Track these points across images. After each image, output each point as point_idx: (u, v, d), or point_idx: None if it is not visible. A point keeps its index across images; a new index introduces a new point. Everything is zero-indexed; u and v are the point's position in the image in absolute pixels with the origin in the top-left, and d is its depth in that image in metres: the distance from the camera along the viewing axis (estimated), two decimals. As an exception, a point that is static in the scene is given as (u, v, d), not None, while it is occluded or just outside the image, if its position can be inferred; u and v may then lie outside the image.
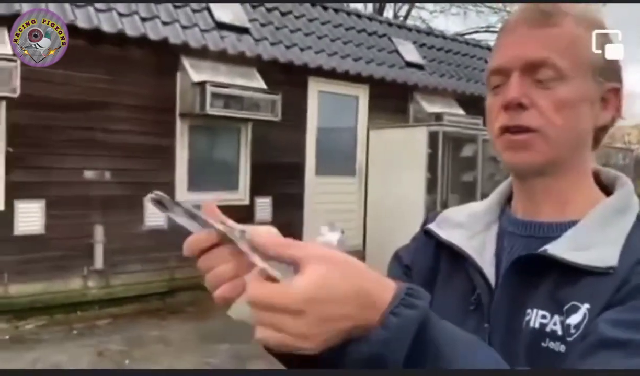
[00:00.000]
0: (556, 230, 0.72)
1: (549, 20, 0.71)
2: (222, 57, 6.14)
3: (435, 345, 0.53)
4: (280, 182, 6.75)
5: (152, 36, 5.66)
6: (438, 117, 7.80)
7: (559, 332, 0.65)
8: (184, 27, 5.99)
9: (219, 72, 6.05)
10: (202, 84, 5.69)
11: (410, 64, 8.21)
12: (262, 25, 6.83)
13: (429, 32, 9.69)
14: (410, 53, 8.38)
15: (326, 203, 7.27)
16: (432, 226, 0.84)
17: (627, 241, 0.68)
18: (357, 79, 7.38)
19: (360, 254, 7.57)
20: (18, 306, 5.05)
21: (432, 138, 7.05)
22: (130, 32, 5.53)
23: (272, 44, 6.72)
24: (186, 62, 5.91)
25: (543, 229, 0.74)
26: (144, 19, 5.72)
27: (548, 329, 0.66)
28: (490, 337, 0.71)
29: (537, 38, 0.71)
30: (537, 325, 0.67)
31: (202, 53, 6.00)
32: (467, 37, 12.33)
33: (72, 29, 5.17)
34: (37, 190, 5.23)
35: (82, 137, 5.43)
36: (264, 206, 6.70)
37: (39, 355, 4.29)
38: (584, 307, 0.65)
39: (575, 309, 0.65)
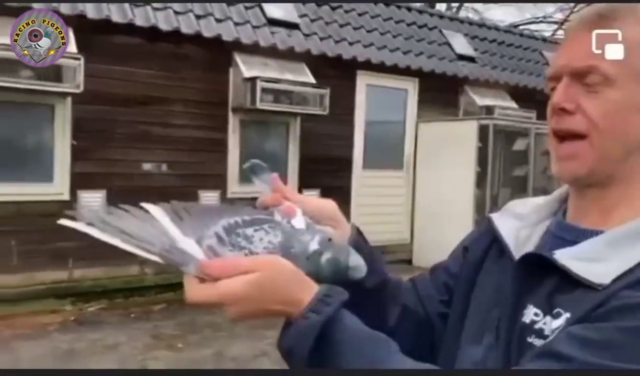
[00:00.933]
0: (592, 236, 0.73)
1: (603, 23, 0.70)
2: (272, 52, 6.28)
3: (337, 343, 0.65)
4: (327, 175, 6.84)
5: (206, 33, 5.85)
6: (489, 110, 7.68)
7: (545, 331, 0.68)
8: (236, 24, 6.16)
9: (270, 67, 6.19)
10: (252, 80, 5.85)
11: (461, 57, 8.11)
12: (312, 20, 6.92)
13: (482, 24, 9.52)
14: (462, 45, 8.27)
15: (373, 196, 7.32)
16: (495, 214, 0.87)
17: (638, 266, 0.66)
18: (406, 72, 7.37)
19: (408, 248, 7.59)
20: (81, 290, 5.38)
21: (483, 131, 6.96)
22: (185, 29, 5.74)
23: (322, 39, 6.80)
24: (238, 58, 6.08)
25: (582, 235, 0.74)
26: (198, 17, 5.92)
27: (536, 326, 0.69)
28: (499, 327, 0.75)
29: (588, 43, 0.70)
30: (528, 321, 0.71)
31: (253, 49, 6.16)
32: (522, 28, 12.01)
33: (130, 28, 5.44)
34: (99, 181, 5.53)
35: (141, 131, 5.70)
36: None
37: (100, 336, 4.57)
38: (565, 315, 0.67)
39: (558, 315, 0.68)
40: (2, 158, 5.15)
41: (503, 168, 7.28)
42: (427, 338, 0.91)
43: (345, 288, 0.71)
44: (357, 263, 0.74)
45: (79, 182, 5.42)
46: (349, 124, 7.13)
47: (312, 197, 0.87)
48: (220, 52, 6.04)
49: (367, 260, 0.85)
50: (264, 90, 5.84)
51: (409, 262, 7.42)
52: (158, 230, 0.68)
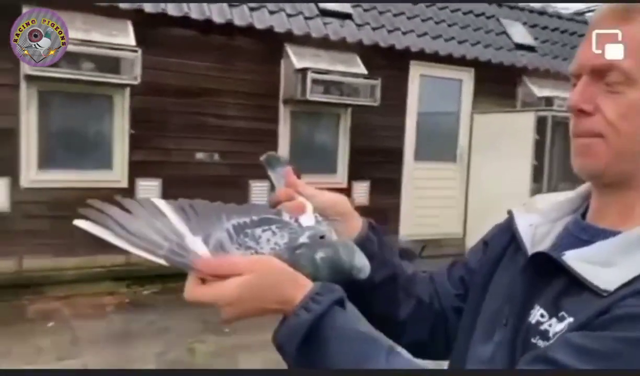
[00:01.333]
0: (607, 237, 0.70)
1: (625, 19, 0.67)
2: (324, 43, 6.28)
3: (325, 342, 0.65)
4: (377, 166, 6.81)
5: (259, 25, 5.93)
6: (548, 101, 7.39)
7: (550, 334, 0.66)
8: (288, 15, 6.20)
9: (321, 58, 6.20)
10: (303, 71, 5.88)
11: (519, 46, 7.83)
12: (365, 10, 6.87)
13: (543, 12, 9.14)
14: (521, 34, 7.99)
15: (425, 189, 7.22)
16: (516, 208, 0.85)
17: None
18: (461, 62, 7.20)
19: (460, 242, 7.44)
20: (137, 274, 5.60)
21: (541, 123, 6.70)
22: (238, 21, 5.84)
23: (374, 29, 6.74)
24: (290, 50, 6.13)
25: (597, 235, 0.71)
26: (251, 9, 6.01)
27: (542, 328, 0.68)
28: (507, 324, 0.74)
29: (609, 39, 0.67)
30: (534, 321, 0.69)
31: (305, 40, 6.19)
32: (588, 15, 11.42)
33: (186, 20, 5.59)
34: (155, 169, 5.73)
35: (195, 121, 5.86)
36: (361, 190, 6.80)
37: (152, 319, 4.76)
38: (568, 320, 0.65)
39: (562, 318, 0.66)
40: (65, 146, 5.44)
41: (561, 161, 6.99)
42: (441, 331, 0.90)
43: (351, 283, 0.72)
44: (361, 263, 0.73)
45: (136, 170, 5.64)
46: (400, 115, 7.05)
47: (324, 192, 0.87)
48: (272, 44, 6.11)
49: (377, 253, 0.85)
50: (314, 81, 5.86)
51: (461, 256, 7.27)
52: (167, 228, 0.69)
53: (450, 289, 0.91)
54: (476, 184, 7.36)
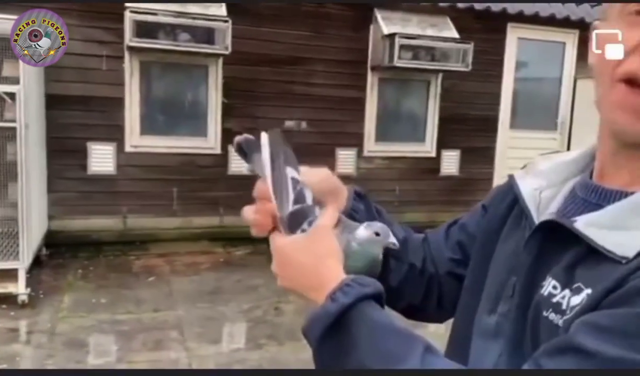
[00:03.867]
0: (618, 199, 0.65)
1: None
2: (415, 8, 6.12)
3: (351, 335, 0.62)
4: (469, 135, 6.58)
5: (347, -9, 5.89)
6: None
7: (563, 306, 0.62)
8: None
9: (411, 23, 6.05)
10: (391, 36, 5.78)
11: (633, 4, 7.13)
12: (459, -29, 6.58)
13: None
14: (636, -10, 7.26)
15: (521, 159, 6.84)
16: (518, 172, 0.80)
17: None
18: (564, 23, 6.70)
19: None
20: (230, 235, 5.90)
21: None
22: (326, -12, 5.83)
23: (469, -9, 6.45)
24: (379, 15, 6.03)
25: (607, 197, 0.66)
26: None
27: (554, 300, 0.63)
28: (513, 296, 0.70)
29: None
30: (546, 293, 0.64)
31: (395, 5, 6.06)
32: None
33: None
34: (246, 136, 5.94)
35: (284, 90, 5.98)
36: (450, 159, 6.63)
37: (242, 277, 5.02)
38: (585, 292, 0.60)
39: (578, 290, 0.61)
40: (164, 113, 5.80)
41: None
42: (434, 296, 0.87)
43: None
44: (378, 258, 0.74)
45: (228, 137, 5.88)
46: (496, 81, 6.74)
47: (309, 170, 0.79)
48: (361, 10, 6.05)
49: (364, 220, 0.81)
50: (402, 46, 5.75)
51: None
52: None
53: (446, 253, 0.87)
54: (578, 154, 6.91)
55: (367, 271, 0.70)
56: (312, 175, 0.78)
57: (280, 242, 0.72)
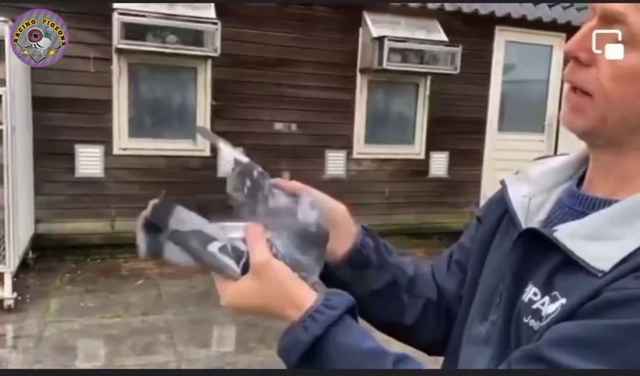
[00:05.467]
0: (602, 207, 0.64)
1: None
2: (403, 10, 6.14)
3: (324, 360, 0.65)
4: (458, 137, 6.62)
5: (336, -6, 5.90)
6: None
7: (542, 313, 0.62)
8: (367, -17, 6.11)
9: (400, 26, 6.07)
10: (380, 39, 5.80)
11: (618, 7, 7.21)
12: (448, -26, 6.61)
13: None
14: (621, -6, 7.35)
15: (509, 161, 6.92)
16: (509, 178, 0.78)
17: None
18: (551, 26, 6.76)
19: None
20: (219, 238, 5.89)
21: None
22: (316, -9, 5.84)
23: (457, -6, 6.49)
24: (368, 18, 6.05)
25: (591, 206, 0.66)
26: (329, -22, 5.98)
27: (534, 306, 0.63)
28: (500, 304, 0.70)
29: None
30: (527, 299, 0.65)
31: (384, 8, 6.08)
32: None
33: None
34: (235, 139, 5.76)
35: (274, 92, 5.97)
36: (439, 161, 6.66)
37: (231, 280, 5.00)
38: (560, 301, 0.61)
39: (554, 299, 0.61)
40: (153, 116, 5.77)
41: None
42: (451, 325, 0.86)
43: (352, 292, 0.70)
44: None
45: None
46: (484, 84, 6.78)
47: (326, 197, 0.84)
48: (350, 13, 6.06)
49: (374, 259, 0.83)
50: (391, 49, 5.77)
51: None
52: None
53: (449, 280, 0.87)
54: (565, 156, 6.97)
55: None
56: (328, 203, 0.82)
57: (230, 293, 0.69)
